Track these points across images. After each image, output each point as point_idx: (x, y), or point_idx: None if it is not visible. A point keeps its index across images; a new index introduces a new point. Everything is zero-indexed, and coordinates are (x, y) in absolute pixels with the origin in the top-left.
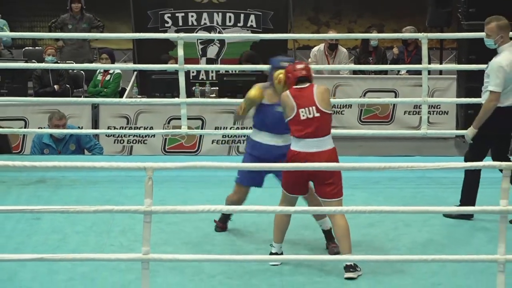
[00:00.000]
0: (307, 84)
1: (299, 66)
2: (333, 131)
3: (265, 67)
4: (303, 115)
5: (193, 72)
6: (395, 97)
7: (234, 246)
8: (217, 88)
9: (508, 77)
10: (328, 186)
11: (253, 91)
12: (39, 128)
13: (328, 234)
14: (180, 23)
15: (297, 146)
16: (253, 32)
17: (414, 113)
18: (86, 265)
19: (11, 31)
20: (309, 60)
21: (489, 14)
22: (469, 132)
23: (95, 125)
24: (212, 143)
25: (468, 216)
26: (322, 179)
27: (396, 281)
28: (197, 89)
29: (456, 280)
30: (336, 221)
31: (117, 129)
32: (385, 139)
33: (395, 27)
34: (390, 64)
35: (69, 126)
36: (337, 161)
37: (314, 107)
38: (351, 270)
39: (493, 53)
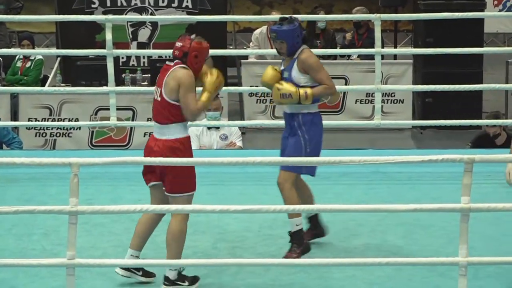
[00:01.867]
0: (172, 63)
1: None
2: (277, 122)
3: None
4: (154, 95)
5: (122, 58)
6: (346, 84)
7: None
8: (149, 75)
9: None
10: (167, 179)
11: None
12: None
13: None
14: (108, 4)
15: None
16: (188, 13)
17: (367, 101)
18: (4, 271)
19: None
20: (251, 44)
21: None
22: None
23: (14, 116)
24: (144, 135)
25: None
26: (160, 170)
27: (349, 286)
28: (128, 77)
29: (413, 285)
30: (170, 224)
31: (38, 121)
32: (334, 131)
33: (345, 7)
34: (340, 48)
35: None
36: (171, 155)
37: (159, 89)
38: (166, 283)
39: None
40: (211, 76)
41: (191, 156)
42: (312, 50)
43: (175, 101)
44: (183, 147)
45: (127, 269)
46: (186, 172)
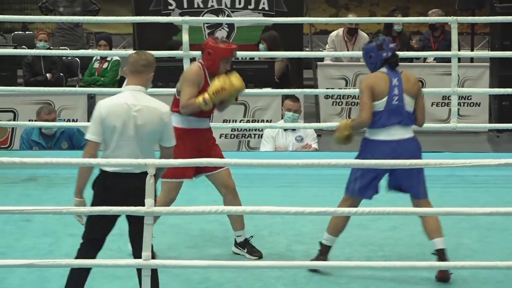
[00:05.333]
0: None
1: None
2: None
3: (282, 54)
4: None
5: (199, 59)
6: (422, 87)
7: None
8: None
9: None
10: None
11: None
12: (29, 120)
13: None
14: (185, 6)
15: None
16: (265, 15)
17: (443, 104)
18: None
19: None
20: (327, 46)
21: None
22: None
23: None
24: (220, 137)
25: None
26: None
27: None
28: None
29: None
30: None
31: None
32: None
33: (421, 10)
34: (415, 51)
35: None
36: None
37: None
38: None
39: None
40: (217, 80)
41: (180, 147)
42: None
43: (177, 92)
44: (176, 136)
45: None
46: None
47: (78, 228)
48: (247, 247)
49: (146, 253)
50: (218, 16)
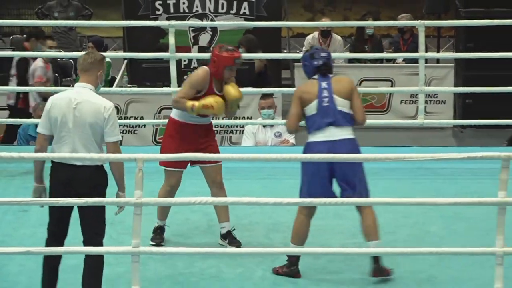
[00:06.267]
0: None
1: None
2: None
3: (262, 55)
4: None
5: (184, 61)
6: (391, 86)
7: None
8: None
9: None
10: None
11: None
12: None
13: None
14: (172, 10)
15: None
16: (246, 19)
17: (411, 102)
18: (75, 258)
19: None
20: (303, 48)
21: (489, 1)
22: None
23: None
24: None
25: None
26: None
27: (394, 273)
28: None
29: (453, 273)
30: None
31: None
32: (381, 129)
33: (391, 14)
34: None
35: None
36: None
37: None
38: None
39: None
40: (211, 97)
41: (171, 137)
42: (360, 54)
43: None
44: (170, 126)
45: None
46: (163, 149)
47: (72, 218)
48: (228, 238)
49: (135, 240)
50: (202, 20)
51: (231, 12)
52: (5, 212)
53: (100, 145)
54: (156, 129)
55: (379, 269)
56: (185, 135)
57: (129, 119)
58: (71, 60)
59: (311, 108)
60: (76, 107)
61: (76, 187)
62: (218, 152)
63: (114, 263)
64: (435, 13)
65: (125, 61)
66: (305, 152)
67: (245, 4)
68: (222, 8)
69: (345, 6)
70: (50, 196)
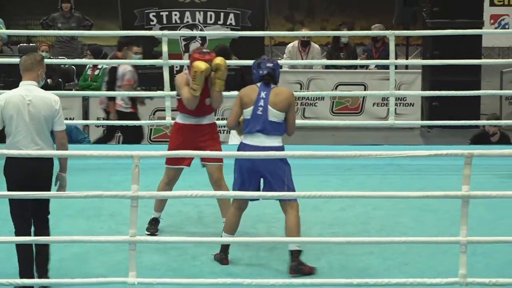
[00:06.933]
0: None
1: None
2: (307, 121)
3: (237, 62)
4: None
5: (176, 67)
6: (365, 90)
7: (217, 229)
8: None
9: None
10: None
11: None
12: None
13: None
14: (165, 21)
15: None
16: (232, 29)
17: (382, 105)
18: (77, 247)
19: (6, 29)
20: (284, 56)
21: (453, 13)
22: None
23: (86, 116)
24: None
25: None
26: None
27: (366, 261)
28: None
29: (422, 260)
30: None
31: (106, 120)
32: (355, 129)
33: (365, 25)
34: (360, 59)
35: None
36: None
37: None
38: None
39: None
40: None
41: (174, 138)
42: (336, 61)
43: (177, 95)
44: (173, 128)
45: None
46: (168, 149)
47: (75, 210)
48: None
49: (132, 230)
50: (192, 30)
51: (219, 22)
52: None
53: (49, 134)
54: (151, 129)
55: (296, 267)
56: (185, 135)
57: None
58: (73, 67)
59: (247, 113)
60: (30, 103)
61: (38, 178)
62: (218, 150)
63: (113, 251)
64: (404, 23)
65: None
66: (238, 150)
67: (231, 15)
68: (211, 19)
69: (323, 17)
70: (15, 190)
